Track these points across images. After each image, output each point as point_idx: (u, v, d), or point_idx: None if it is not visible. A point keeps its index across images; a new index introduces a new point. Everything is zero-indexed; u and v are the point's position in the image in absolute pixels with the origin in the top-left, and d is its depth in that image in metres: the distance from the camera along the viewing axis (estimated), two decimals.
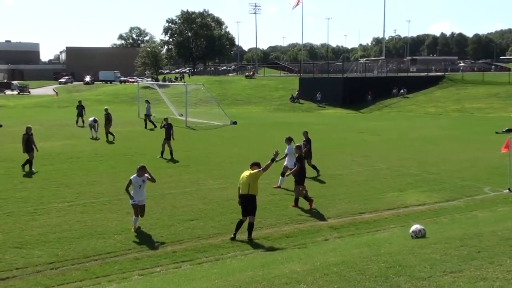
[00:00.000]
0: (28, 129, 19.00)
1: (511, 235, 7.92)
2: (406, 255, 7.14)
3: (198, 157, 21.77)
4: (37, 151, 19.09)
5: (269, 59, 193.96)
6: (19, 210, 13.13)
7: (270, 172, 13.44)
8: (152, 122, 33.45)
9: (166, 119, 22.20)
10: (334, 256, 7.87)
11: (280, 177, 15.93)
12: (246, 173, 11.15)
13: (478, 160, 20.64)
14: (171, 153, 21.28)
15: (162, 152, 21.36)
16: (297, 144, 14.75)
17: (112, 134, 27.14)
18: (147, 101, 35.36)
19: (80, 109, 33.91)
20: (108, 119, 27.27)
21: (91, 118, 27.73)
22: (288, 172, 15.07)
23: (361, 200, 14.40)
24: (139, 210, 11.56)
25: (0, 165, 19.47)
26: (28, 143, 18.56)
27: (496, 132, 29.64)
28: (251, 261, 9.44)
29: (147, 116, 33.99)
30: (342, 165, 19.84)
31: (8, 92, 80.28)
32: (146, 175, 11.74)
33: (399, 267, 6.48)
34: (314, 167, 17.64)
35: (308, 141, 17.69)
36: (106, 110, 27.95)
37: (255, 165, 11.23)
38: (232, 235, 11.03)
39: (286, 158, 15.90)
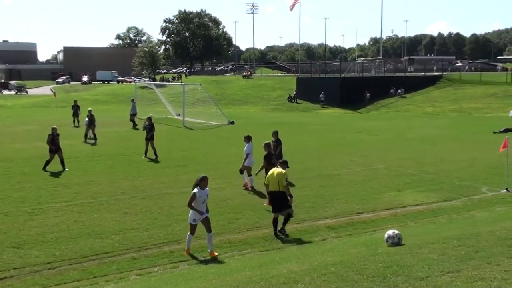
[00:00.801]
0: (54, 129, 18.99)
1: (508, 235, 7.93)
2: (404, 255, 7.15)
3: (196, 157, 21.76)
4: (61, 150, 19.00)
5: (267, 59, 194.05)
6: (16, 210, 13.10)
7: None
8: (134, 122, 33.52)
9: (148, 119, 21.97)
10: (332, 256, 7.88)
11: (249, 177, 15.75)
12: (275, 171, 11.33)
13: (475, 160, 20.67)
14: (155, 153, 21.16)
15: (146, 152, 21.23)
16: (265, 142, 15.01)
17: (95, 137, 26.36)
18: (132, 100, 35.30)
19: (76, 109, 33.73)
20: (91, 120, 26.67)
21: (88, 118, 27.62)
22: (254, 170, 15.09)
23: (359, 200, 14.42)
24: (205, 224, 10.08)
25: None
26: (54, 143, 18.55)
27: (494, 132, 29.70)
28: (248, 261, 9.44)
29: (133, 115, 33.98)
30: (339, 165, 19.85)
31: (5, 92, 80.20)
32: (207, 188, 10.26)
33: (397, 267, 6.48)
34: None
35: (278, 142, 17.38)
36: (89, 111, 27.32)
37: (283, 163, 11.56)
38: (274, 233, 11.22)
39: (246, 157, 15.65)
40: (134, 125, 33.18)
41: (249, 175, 15.74)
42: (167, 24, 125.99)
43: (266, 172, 13.90)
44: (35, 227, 11.75)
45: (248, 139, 15.93)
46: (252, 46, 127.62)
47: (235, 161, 18.58)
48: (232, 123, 35.99)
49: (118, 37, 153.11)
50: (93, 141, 25.86)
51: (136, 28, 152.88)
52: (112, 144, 25.63)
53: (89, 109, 28.26)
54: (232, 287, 6.57)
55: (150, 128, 21.44)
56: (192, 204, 9.94)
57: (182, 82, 64.24)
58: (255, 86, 68.86)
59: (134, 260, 9.80)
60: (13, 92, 79.47)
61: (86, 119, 27.26)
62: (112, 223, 12.06)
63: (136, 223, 12.02)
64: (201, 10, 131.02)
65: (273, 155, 14.84)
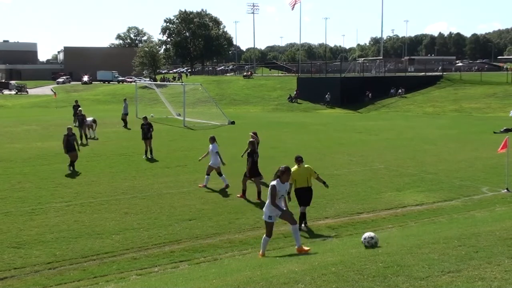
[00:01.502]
0: (69, 129, 18.97)
1: (509, 235, 7.93)
2: (404, 255, 7.15)
3: (196, 157, 21.66)
4: (79, 150, 19.05)
5: (267, 59, 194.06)
6: (16, 210, 13.11)
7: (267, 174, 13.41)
8: (126, 121, 33.63)
9: (145, 118, 22.00)
10: (332, 256, 7.87)
11: (206, 176, 15.88)
12: (301, 167, 11.70)
13: (476, 160, 20.67)
14: (151, 152, 21.25)
15: (146, 152, 21.32)
16: (250, 140, 15.11)
17: (86, 138, 26.17)
18: (125, 100, 35.35)
19: (76, 108, 33.65)
20: (82, 120, 26.41)
21: (90, 118, 27.64)
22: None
23: (359, 200, 14.42)
24: (285, 218, 9.08)
25: None
26: (68, 143, 18.55)
27: (494, 132, 29.69)
28: (249, 261, 9.44)
29: (125, 115, 34.03)
30: (339, 165, 19.85)
31: (6, 92, 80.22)
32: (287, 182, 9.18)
33: (397, 267, 6.48)
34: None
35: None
36: (79, 111, 27.17)
37: (300, 159, 11.85)
38: (301, 226, 11.44)
39: (211, 157, 15.76)
40: (125, 124, 33.36)
41: (208, 174, 15.84)
42: (168, 24, 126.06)
43: (251, 172, 14.38)
44: (35, 227, 11.75)
45: (212, 139, 15.91)
46: (252, 46, 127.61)
47: (235, 160, 18.56)
48: (233, 123, 35.99)
49: (118, 37, 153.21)
50: (86, 142, 25.51)
51: (136, 28, 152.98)
52: (112, 144, 25.62)
53: (79, 109, 28.09)
54: (232, 287, 6.57)
55: (148, 127, 21.44)
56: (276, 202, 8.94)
57: (182, 82, 64.24)
58: (255, 86, 68.87)
59: (135, 260, 9.81)
60: (13, 92, 79.50)
61: (88, 119, 27.14)
62: (113, 223, 12.07)
63: (137, 223, 12.03)
64: (202, 10, 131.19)
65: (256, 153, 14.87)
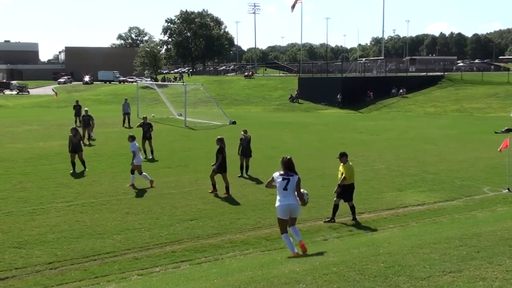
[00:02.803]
0: (73, 130, 18.95)
1: (510, 235, 7.92)
2: (405, 255, 7.14)
3: (197, 157, 21.76)
4: (81, 150, 18.97)
5: (268, 59, 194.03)
6: (18, 210, 13.12)
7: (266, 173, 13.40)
8: (128, 121, 33.87)
9: (144, 118, 22.01)
10: (334, 256, 7.88)
11: (132, 175, 15.85)
12: (349, 165, 12.46)
13: (477, 160, 20.65)
14: (151, 152, 21.26)
15: (145, 151, 21.26)
16: (218, 137, 15.30)
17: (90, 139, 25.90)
18: (126, 100, 35.43)
19: (78, 109, 33.60)
20: (88, 122, 26.11)
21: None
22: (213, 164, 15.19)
23: (360, 200, 14.39)
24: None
25: None
26: (72, 144, 18.49)
27: (495, 132, 29.66)
28: (250, 261, 9.44)
29: (126, 114, 34.13)
30: None
31: (7, 92, 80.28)
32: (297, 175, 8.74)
33: (398, 267, 6.48)
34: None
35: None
36: (86, 111, 26.98)
37: (344, 155, 12.44)
38: (329, 219, 12.32)
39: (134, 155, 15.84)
40: (126, 123, 33.68)
41: (132, 173, 15.88)
42: (169, 24, 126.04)
43: (220, 167, 14.73)
44: (36, 227, 11.76)
45: (131, 138, 16.03)
46: (253, 46, 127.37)
47: (236, 160, 18.57)
48: (234, 123, 36.00)
49: (119, 37, 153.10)
50: (88, 143, 25.20)
51: (137, 28, 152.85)
52: (113, 144, 25.62)
53: (85, 109, 27.89)
54: (234, 287, 6.57)
55: (148, 127, 21.38)
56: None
57: (183, 82, 64.26)
58: (256, 86, 68.87)
59: (136, 260, 9.81)
60: (14, 92, 79.56)
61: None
62: (114, 223, 12.07)
63: (138, 223, 12.03)
64: (203, 10, 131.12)
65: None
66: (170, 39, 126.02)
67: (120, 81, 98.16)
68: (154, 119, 37.60)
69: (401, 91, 55.48)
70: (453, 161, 20.54)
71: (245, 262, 9.40)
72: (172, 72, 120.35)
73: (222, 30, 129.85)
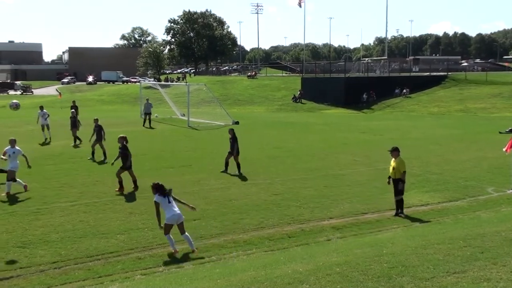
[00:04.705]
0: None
1: None
2: (409, 255, 7.14)
3: (200, 157, 21.78)
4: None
5: (271, 59, 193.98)
6: (22, 210, 13.16)
7: (270, 175, 13.36)
8: (149, 121, 34.06)
9: (96, 120, 21.44)
10: (337, 256, 7.87)
11: (7, 182, 14.80)
12: (396, 160, 13.13)
13: (481, 160, 20.59)
14: (104, 154, 20.83)
15: (93, 153, 20.91)
16: (120, 135, 15.87)
17: (79, 139, 25.30)
18: (147, 100, 35.53)
19: (75, 109, 32.41)
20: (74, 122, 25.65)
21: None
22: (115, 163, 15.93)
23: (364, 200, 14.40)
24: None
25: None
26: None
27: (500, 132, 29.58)
28: (253, 261, 9.45)
29: (147, 114, 34.31)
30: (344, 165, 19.83)
31: (11, 92, 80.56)
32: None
33: (402, 268, 6.47)
34: (239, 165, 18.05)
35: (234, 139, 18.11)
36: (72, 112, 26.64)
37: (396, 150, 13.23)
38: (398, 212, 12.95)
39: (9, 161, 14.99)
40: (147, 123, 33.89)
41: (9, 180, 14.79)
42: (172, 24, 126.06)
43: (129, 164, 15.33)
44: (40, 226, 11.80)
45: (14, 142, 15.28)
46: (256, 46, 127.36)
47: (242, 160, 18.60)
48: (237, 123, 36.01)
49: (123, 37, 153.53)
50: (77, 143, 24.94)
51: (141, 29, 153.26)
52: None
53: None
54: (237, 287, 6.58)
55: (99, 129, 21.01)
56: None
57: (186, 82, 64.30)
58: (259, 86, 68.87)
59: (139, 260, 9.83)
60: (18, 93, 79.81)
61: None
62: (117, 223, 12.09)
63: (141, 223, 12.04)
64: (206, 10, 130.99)
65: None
66: (173, 39, 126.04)
67: (123, 81, 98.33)
68: (157, 119, 37.68)
69: (404, 91, 55.37)
70: (457, 161, 20.49)
71: (248, 262, 9.40)
72: (175, 72, 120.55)
73: (225, 30, 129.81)
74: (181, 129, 33.28)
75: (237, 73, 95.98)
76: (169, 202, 10.24)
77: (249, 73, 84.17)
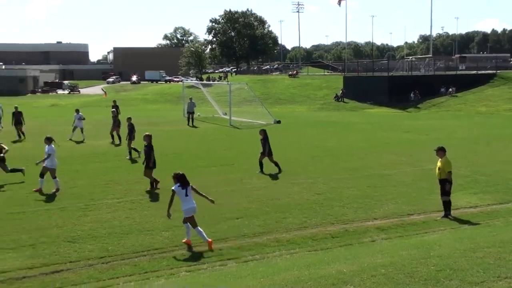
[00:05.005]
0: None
1: None
2: (457, 258, 6.96)
3: (242, 156, 21.88)
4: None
5: (313, 57, 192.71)
6: (71, 206, 13.59)
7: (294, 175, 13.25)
8: (192, 120, 34.58)
9: (128, 119, 21.62)
10: (382, 258, 7.76)
11: (40, 179, 15.14)
12: (444, 159, 12.96)
13: None
14: (130, 152, 21.00)
15: (130, 152, 21.04)
16: (146, 133, 15.93)
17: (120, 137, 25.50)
18: (190, 99, 36.01)
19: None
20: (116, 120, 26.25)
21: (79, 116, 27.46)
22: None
23: (409, 201, 14.12)
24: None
25: None
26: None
27: None
28: (296, 261, 9.44)
29: (190, 113, 34.78)
30: (387, 165, 19.51)
31: (59, 91, 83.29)
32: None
33: (450, 271, 6.32)
34: (276, 164, 18.10)
35: (265, 139, 18.08)
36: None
37: (442, 149, 13.04)
38: (445, 214, 12.62)
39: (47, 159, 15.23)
40: (191, 122, 34.40)
41: (41, 176, 15.13)
42: (213, 24, 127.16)
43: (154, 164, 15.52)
44: (88, 222, 12.15)
45: (49, 140, 15.41)
46: (297, 45, 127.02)
47: (283, 160, 18.60)
48: (278, 122, 36.02)
49: (165, 37, 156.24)
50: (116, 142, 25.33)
51: (183, 28, 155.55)
52: (161, 143, 26.05)
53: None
54: (281, 286, 6.59)
55: (131, 128, 21.27)
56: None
57: (228, 82, 64.75)
58: (301, 85, 68.58)
59: (184, 256, 9.99)
60: (66, 92, 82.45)
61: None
62: (162, 220, 12.26)
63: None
64: (247, 9, 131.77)
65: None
66: (214, 39, 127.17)
67: (166, 81, 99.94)
68: (200, 118, 38.11)
69: (450, 90, 53.92)
70: (507, 162, 19.79)
71: (292, 262, 9.39)
72: (216, 71, 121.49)
73: (266, 29, 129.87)
74: (223, 128, 33.55)
75: (278, 72, 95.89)
76: (186, 195, 10.49)
77: (290, 72, 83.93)
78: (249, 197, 14.55)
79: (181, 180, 10.54)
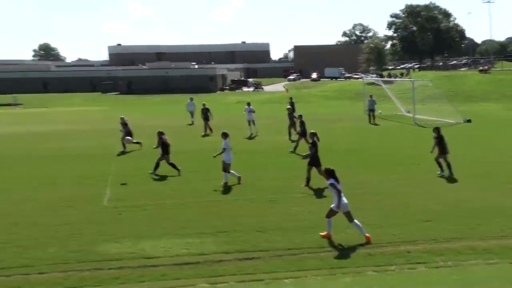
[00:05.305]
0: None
1: None
2: None
3: (428, 155, 20.66)
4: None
5: (508, 51, 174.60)
6: (259, 198, 14.33)
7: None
8: (374, 117, 34.04)
9: (300, 116, 22.45)
10: None
11: (224, 173, 15.90)
12: None
13: None
14: (295, 147, 21.86)
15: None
16: (311, 131, 16.00)
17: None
18: (371, 96, 35.35)
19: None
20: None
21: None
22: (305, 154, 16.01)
23: None
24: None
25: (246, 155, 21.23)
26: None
27: None
28: (496, 272, 8.64)
29: (371, 111, 34.12)
30: None
31: (244, 89, 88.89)
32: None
33: None
34: (448, 165, 16.77)
35: (439, 138, 17.03)
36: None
37: None
38: None
39: (223, 153, 15.96)
40: (372, 119, 33.98)
41: (227, 171, 15.90)
42: (394, 19, 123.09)
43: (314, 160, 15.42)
44: (275, 214, 12.67)
45: (224, 135, 16.13)
46: (489, 38, 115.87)
47: (480, 161, 17.19)
48: (469, 121, 33.39)
49: (344, 34, 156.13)
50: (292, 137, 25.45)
51: (361, 25, 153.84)
52: (341, 139, 26.09)
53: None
54: None
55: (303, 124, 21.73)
56: None
57: (411, 78, 62.03)
58: (493, 81, 62.63)
59: (370, 256, 9.79)
60: (251, 89, 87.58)
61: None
62: (343, 217, 12.17)
63: (370, 219, 11.92)
64: (430, 2, 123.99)
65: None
66: (395, 34, 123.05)
67: (345, 78, 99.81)
68: (381, 115, 37.21)
69: None
70: None
71: (491, 273, 8.64)
72: (398, 68, 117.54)
73: (451, 23, 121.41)
74: (406, 126, 32.22)
75: (466, 68, 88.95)
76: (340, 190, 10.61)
77: (481, 67, 77.14)
78: (439, 199, 13.73)
79: (332, 174, 10.73)
